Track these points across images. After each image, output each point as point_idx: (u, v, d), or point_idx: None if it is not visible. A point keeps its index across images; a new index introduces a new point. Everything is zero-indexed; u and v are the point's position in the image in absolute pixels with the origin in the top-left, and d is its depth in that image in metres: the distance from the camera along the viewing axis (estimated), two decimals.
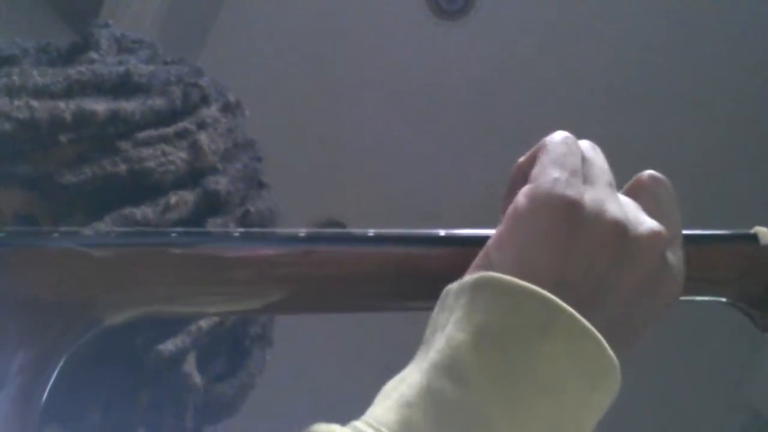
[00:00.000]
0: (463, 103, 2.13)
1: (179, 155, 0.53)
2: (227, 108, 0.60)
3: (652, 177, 0.39)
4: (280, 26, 2.06)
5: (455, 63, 2.11)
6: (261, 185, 0.60)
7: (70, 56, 0.57)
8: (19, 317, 0.37)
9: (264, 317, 0.60)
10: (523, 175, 0.38)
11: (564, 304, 0.32)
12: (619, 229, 0.34)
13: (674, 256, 0.36)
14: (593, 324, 0.32)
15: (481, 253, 0.36)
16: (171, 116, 0.55)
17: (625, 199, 0.37)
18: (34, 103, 0.50)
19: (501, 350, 0.32)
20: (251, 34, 2.06)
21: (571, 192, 0.35)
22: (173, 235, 0.39)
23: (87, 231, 0.40)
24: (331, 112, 2.14)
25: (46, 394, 0.37)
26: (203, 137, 0.55)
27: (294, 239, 0.38)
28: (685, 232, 0.37)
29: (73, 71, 0.53)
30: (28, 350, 0.37)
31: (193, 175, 0.54)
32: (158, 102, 0.54)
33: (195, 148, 0.54)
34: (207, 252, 0.38)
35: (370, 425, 0.31)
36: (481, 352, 0.32)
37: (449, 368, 0.32)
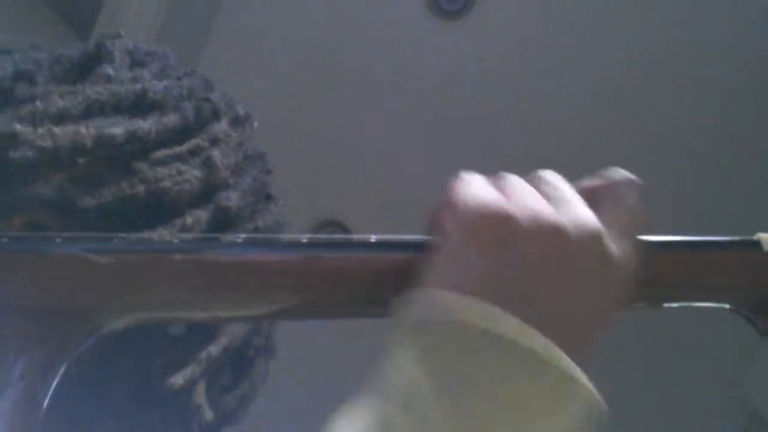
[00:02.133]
0: (463, 103, 2.13)
1: (193, 173, 0.54)
2: (237, 121, 0.60)
3: (622, 176, 0.39)
4: (280, 26, 2.06)
5: (455, 63, 2.11)
6: (269, 198, 0.60)
7: (83, 68, 0.57)
8: (21, 323, 0.37)
9: (266, 327, 0.61)
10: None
11: (524, 330, 0.32)
12: (561, 232, 0.34)
13: (620, 250, 0.36)
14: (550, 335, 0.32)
15: (424, 278, 0.36)
16: (184, 132, 0.56)
17: (561, 198, 0.37)
18: (56, 130, 0.51)
19: (454, 380, 0.32)
20: (251, 35, 2.06)
21: (499, 203, 0.35)
22: (176, 241, 0.39)
23: (90, 237, 0.40)
24: (331, 112, 2.14)
25: (47, 400, 0.37)
26: (216, 153, 0.55)
27: (297, 245, 0.38)
28: (687, 238, 0.38)
29: (91, 92, 0.54)
30: (30, 356, 0.36)
31: (207, 192, 0.55)
32: (172, 119, 0.55)
33: (208, 164, 0.55)
34: (209, 258, 0.38)
35: None
36: (433, 381, 0.32)
37: (402, 399, 0.32)
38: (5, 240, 0.38)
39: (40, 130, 0.50)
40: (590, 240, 0.35)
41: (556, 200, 0.36)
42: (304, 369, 1.82)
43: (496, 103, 2.12)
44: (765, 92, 2.04)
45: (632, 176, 0.39)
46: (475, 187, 0.37)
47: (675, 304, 0.39)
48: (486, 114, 2.12)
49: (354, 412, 0.33)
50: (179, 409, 0.53)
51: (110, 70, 0.56)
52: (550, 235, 0.34)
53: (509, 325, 0.32)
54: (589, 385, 0.32)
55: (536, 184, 0.38)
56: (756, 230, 0.39)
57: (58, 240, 0.38)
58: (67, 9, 1.72)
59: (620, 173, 0.39)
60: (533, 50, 2.08)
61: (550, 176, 0.38)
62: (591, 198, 0.38)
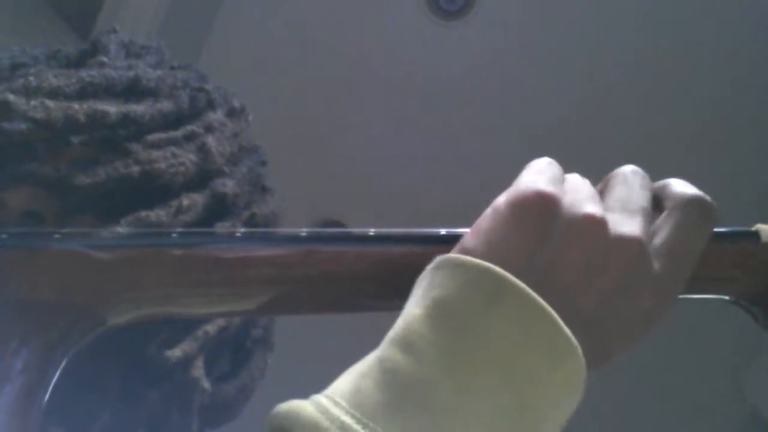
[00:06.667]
0: (462, 103, 2.13)
1: (188, 157, 0.54)
2: (233, 113, 0.60)
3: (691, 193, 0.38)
4: (280, 26, 2.06)
5: (455, 63, 2.11)
6: (265, 189, 0.61)
7: (79, 62, 0.57)
8: (22, 318, 0.37)
9: (265, 320, 0.61)
10: None
11: (514, 279, 0.33)
12: (598, 226, 0.35)
13: (662, 269, 0.35)
14: (558, 314, 0.32)
15: (458, 243, 0.36)
16: (179, 119, 0.56)
17: (611, 204, 0.37)
18: (50, 104, 0.50)
19: (451, 320, 0.33)
20: (250, 35, 2.06)
21: (549, 189, 0.35)
22: (174, 236, 0.39)
23: (89, 232, 0.40)
24: (330, 112, 2.14)
25: (48, 394, 0.37)
26: (211, 140, 0.55)
27: (295, 239, 0.38)
28: None
29: (85, 74, 0.53)
30: (31, 351, 0.36)
31: (202, 177, 0.55)
32: (166, 105, 0.55)
33: (203, 150, 0.55)
34: (209, 253, 0.38)
35: (326, 395, 0.32)
36: (432, 322, 0.33)
37: (401, 339, 0.33)
38: (4, 236, 0.38)
39: (33, 102, 0.50)
40: (627, 245, 0.35)
41: (620, 208, 0.37)
42: (303, 364, 1.82)
43: (495, 102, 2.12)
44: (765, 84, 2.04)
45: (700, 193, 0.38)
46: (534, 175, 0.37)
47: None
48: (485, 114, 2.12)
49: (363, 359, 0.34)
50: (177, 387, 0.53)
51: (104, 59, 0.56)
52: (588, 225, 0.35)
53: (518, 293, 0.32)
54: (580, 352, 0.33)
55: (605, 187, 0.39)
56: (754, 221, 0.39)
57: (57, 236, 0.38)
58: (67, 9, 1.72)
59: (685, 186, 0.39)
60: (533, 50, 2.08)
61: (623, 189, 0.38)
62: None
